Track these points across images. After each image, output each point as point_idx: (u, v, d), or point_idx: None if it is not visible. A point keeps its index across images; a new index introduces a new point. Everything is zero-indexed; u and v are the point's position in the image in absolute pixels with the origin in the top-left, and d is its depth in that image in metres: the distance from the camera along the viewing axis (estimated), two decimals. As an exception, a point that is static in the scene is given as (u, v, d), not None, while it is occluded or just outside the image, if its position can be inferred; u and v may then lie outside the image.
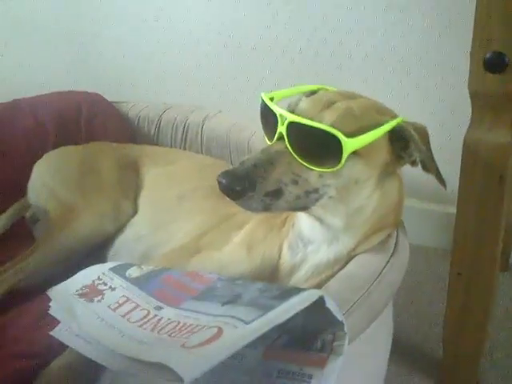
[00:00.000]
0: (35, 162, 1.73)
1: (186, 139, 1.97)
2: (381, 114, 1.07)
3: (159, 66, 2.52)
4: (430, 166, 1.07)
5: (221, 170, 1.64)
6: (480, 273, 1.34)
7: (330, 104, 1.05)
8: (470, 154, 1.25)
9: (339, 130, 0.97)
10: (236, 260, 1.23)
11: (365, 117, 1.04)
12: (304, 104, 1.08)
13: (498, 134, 1.22)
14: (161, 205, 1.58)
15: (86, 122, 2.01)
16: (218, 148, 1.88)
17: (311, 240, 1.16)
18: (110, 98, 2.10)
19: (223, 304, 0.84)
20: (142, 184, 1.68)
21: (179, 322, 0.83)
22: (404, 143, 1.07)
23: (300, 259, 1.18)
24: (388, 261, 1.15)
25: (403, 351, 1.65)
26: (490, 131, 1.23)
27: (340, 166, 0.98)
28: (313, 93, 1.18)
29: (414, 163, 1.10)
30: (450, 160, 1.32)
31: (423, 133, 1.07)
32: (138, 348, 0.78)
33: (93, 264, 1.07)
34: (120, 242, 1.56)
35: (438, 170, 1.07)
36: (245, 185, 0.95)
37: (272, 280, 1.19)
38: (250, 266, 1.21)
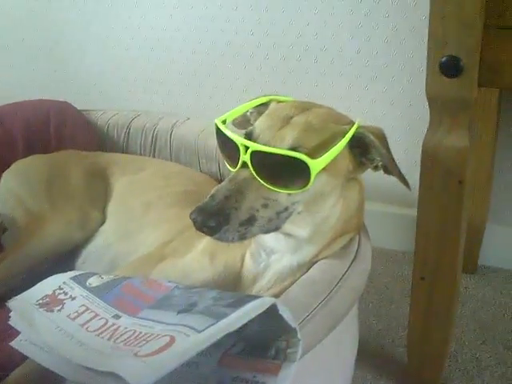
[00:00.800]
0: (3, 170, 1.72)
1: (155, 146, 1.96)
2: (338, 122, 1.08)
3: (128, 74, 2.52)
4: (391, 168, 1.07)
5: (187, 178, 1.67)
6: (442, 276, 1.35)
7: (287, 119, 1.05)
8: (429, 158, 1.26)
9: (302, 150, 0.98)
10: (199, 268, 1.23)
11: (324, 129, 1.04)
12: (262, 122, 1.08)
13: (455, 138, 1.23)
14: (128, 213, 1.58)
15: (55, 130, 2.00)
16: (186, 155, 1.88)
17: (274, 250, 1.16)
18: (78, 107, 2.09)
19: (178, 312, 0.84)
20: (110, 192, 1.68)
21: (135, 331, 0.83)
22: (364, 148, 1.08)
23: (263, 268, 1.18)
24: (350, 265, 1.15)
25: (370, 355, 1.66)
26: (448, 135, 1.24)
27: (308, 186, 0.99)
28: (264, 105, 1.19)
29: (376, 168, 1.11)
30: (416, 164, 1.33)
31: (381, 136, 1.07)
32: (95, 358, 0.78)
33: (61, 272, 1.07)
34: (88, 250, 1.55)
35: (400, 171, 1.07)
36: (219, 220, 0.95)
37: (235, 288, 1.20)
38: (213, 273, 1.22)
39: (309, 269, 1.15)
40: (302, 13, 2.08)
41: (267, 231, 1.04)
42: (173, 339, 0.75)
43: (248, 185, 1.00)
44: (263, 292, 1.17)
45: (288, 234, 1.12)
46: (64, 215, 1.54)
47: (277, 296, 1.09)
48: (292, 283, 1.12)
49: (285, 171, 0.99)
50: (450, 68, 1.16)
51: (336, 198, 1.10)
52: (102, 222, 1.60)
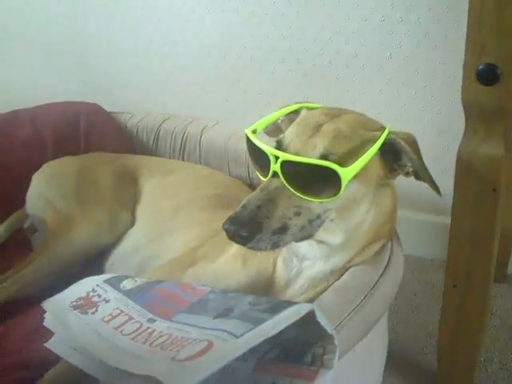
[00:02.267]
0: (34, 172, 1.73)
1: (184, 150, 1.97)
2: (368, 129, 1.07)
3: (157, 78, 2.52)
4: (422, 174, 1.07)
5: (217, 182, 1.67)
6: (475, 285, 1.34)
7: (318, 127, 1.05)
8: (464, 165, 1.25)
9: (333, 158, 0.98)
10: (231, 272, 1.23)
11: (354, 135, 1.04)
12: (292, 131, 1.08)
13: (490, 146, 1.22)
14: (157, 216, 1.58)
15: (85, 132, 2.01)
16: (215, 159, 1.89)
17: (307, 256, 1.16)
18: (108, 109, 2.10)
19: (214, 317, 0.84)
20: (139, 195, 1.68)
21: (171, 335, 0.83)
22: (395, 155, 1.07)
23: (295, 274, 1.18)
24: (382, 272, 1.15)
25: (399, 363, 1.64)
26: (483, 143, 1.23)
27: (339, 195, 0.99)
28: (295, 113, 1.19)
29: (407, 174, 1.10)
30: (447, 170, 1.32)
31: (412, 142, 1.06)
32: (129, 361, 0.78)
33: (90, 275, 1.08)
34: (117, 252, 1.56)
35: (431, 177, 1.07)
36: (252, 229, 0.95)
37: (267, 293, 1.19)
38: (245, 278, 1.21)
39: (342, 275, 1.14)
40: (334, 19, 2.07)
41: (300, 239, 1.05)
42: (211, 344, 0.75)
43: (279, 194, 0.99)
44: (295, 298, 1.16)
45: (321, 241, 1.11)
46: (93, 218, 1.55)
47: (309, 301, 1.09)
48: (325, 289, 1.12)
49: (315, 180, 0.99)
50: (486, 76, 1.16)
51: (368, 205, 1.09)
52: (131, 225, 1.60)
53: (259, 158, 1.05)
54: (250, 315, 0.82)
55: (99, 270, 1.54)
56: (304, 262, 1.17)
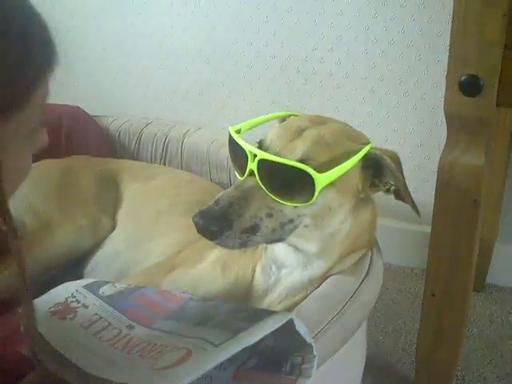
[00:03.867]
0: (14, 174, 1.71)
1: (166, 155, 1.96)
2: (352, 140, 1.07)
3: (140, 81, 2.51)
4: (404, 193, 1.07)
5: (198, 187, 1.66)
6: (454, 294, 1.35)
7: (300, 132, 1.05)
8: (445, 176, 1.26)
9: (311, 164, 0.98)
10: (210, 279, 1.23)
11: (337, 144, 1.04)
12: (274, 133, 1.07)
13: (472, 157, 1.23)
14: (138, 221, 1.57)
15: (66, 135, 1.99)
16: (197, 164, 1.88)
17: (285, 264, 1.16)
18: (90, 112, 2.09)
19: (194, 325, 0.84)
20: (121, 199, 1.67)
21: (150, 342, 0.83)
22: (377, 170, 1.07)
23: (273, 282, 1.18)
24: (362, 281, 1.15)
25: (377, 371, 1.65)
26: (464, 154, 1.24)
27: (313, 200, 0.98)
28: (284, 119, 1.19)
29: (387, 191, 1.10)
30: (427, 180, 1.33)
31: (397, 161, 1.07)
32: (107, 368, 0.78)
33: (70, 279, 1.07)
34: (98, 257, 1.55)
35: (411, 198, 1.07)
36: (221, 225, 0.95)
37: (245, 301, 1.19)
38: (224, 285, 1.21)
39: (320, 284, 1.14)
40: (318, 26, 2.07)
41: (270, 241, 1.05)
42: (189, 352, 0.75)
43: (253, 193, 1.00)
44: (274, 306, 1.16)
45: (297, 248, 1.12)
46: (74, 221, 1.53)
47: (287, 310, 1.09)
48: (303, 298, 1.12)
49: (290, 182, 0.99)
50: (469, 87, 1.16)
51: (345, 215, 1.09)
52: (112, 229, 1.59)
53: (238, 156, 1.05)
54: (230, 323, 0.82)
55: (79, 275, 1.53)
56: (282, 270, 1.17)
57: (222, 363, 0.75)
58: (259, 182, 0.99)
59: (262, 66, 2.21)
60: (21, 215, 1.61)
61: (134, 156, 2.01)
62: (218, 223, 0.95)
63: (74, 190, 1.63)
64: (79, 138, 2.00)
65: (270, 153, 1.02)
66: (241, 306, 0.92)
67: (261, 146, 1.07)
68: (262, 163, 0.99)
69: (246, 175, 1.02)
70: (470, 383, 1.61)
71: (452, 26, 1.16)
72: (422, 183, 1.43)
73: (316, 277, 1.15)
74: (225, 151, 1.79)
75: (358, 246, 1.18)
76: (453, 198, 1.26)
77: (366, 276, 1.17)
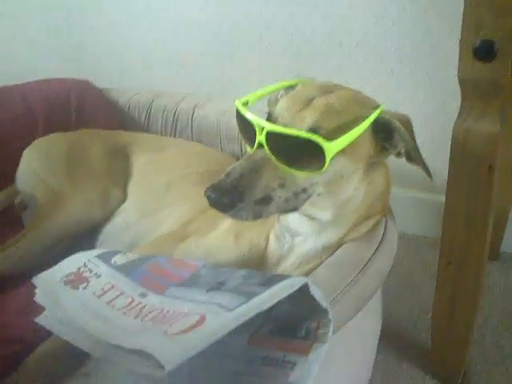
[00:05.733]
0: (24, 148, 1.71)
1: (176, 127, 1.96)
2: (361, 105, 1.06)
3: (149, 54, 2.50)
4: (415, 156, 1.05)
5: (209, 158, 1.65)
6: (469, 263, 1.33)
7: (309, 101, 1.03)
8: (459, 143, 1.23)
9: (320, 132, 0.97)
10: (223, 246, 1.23)
11: (346, 111, 1.02)
12: (282, 104, 1.06)
13: (487, 123, 1.21)
14: (149, 192, 1.58)
15: (76, 108, 2.00)
16: (208, 136, 1.88)
17: (298, 232, 1.16)
18: (99, 85, 2.09)
19: (207, 290, 0.83)
20: (131, 171, 1.68)
21: (163, 309, 0.82)
22: (388, 134, 1.06)
23: (287, 249, 1.18)
24: (376, 248, 1.14)
25: (392, 339, 1.65)
26: (479, 120, 1.21)
27: (324, 168, 0.97)
28: (291, 87, 1.17)
29: (398, 154, 1.08)
30: (440, 149, 1.31)
31: (407, 123, 1.05)
32: (121, 335, 0.77)
33: (80, 251, 1.06)
34: (108, 229, 1.55)
35: (423, 160, 1.06)
36: (233, 197, 0.94)
37: (259, 269, 1.19)
38: (237, 253, 1.21)
39: (334, 251, 1.14)
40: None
41: (285, 211, 1.04)
42: (203, 318, 0.74)
43: (264, 164, 0.98)
44: (288, 273, 1.16)
45: (311, 217, 1.11)
46: (84, 194, 1.54)
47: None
48: (317, 265, 1.11)
49: (300, 152, 0.97)
50: (484, 52, 1.14)
51: (358, 181, 1.08)
52: (123, 201, 1.60)
53: (247, 129, 1.04)
54: (243, 289, 0.81)
55: (90, 247, 1.53)
56: (296, 238, 1.16)
57: (236, 328, 0.74)
58: (269, 153, 0.98)
59: (272, 38, 2.19)
60: (31, 188, 1.61)
61: (144, 128, 2.01)
62: (230, 196, 0.94)
63: (84, 162, 1.64)
64: (88, 111, 2.01)
65: (278, 124, 1.01)
66: (254, 271, 0.91)
67: (270, 117, 1.06)
68: (271, 135, 0.98)
69: (255, 147, 1.01)
70: (486, 351, 1.60)
71: (466, -9, 1.14)
72: (435, 153, 1.41)
73: (330, 244, 1.14)
74: (235, 122, 1.78)
75: (373, 213, 1.17)
76: (467, 165, 1.24)
77: (380, 243, 1.16)
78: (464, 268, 1.34)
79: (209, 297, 0.81)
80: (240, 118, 1.08)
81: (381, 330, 1.38)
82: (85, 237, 1.54)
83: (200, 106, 1.93)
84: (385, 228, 1.20)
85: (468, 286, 1.36)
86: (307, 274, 1.11)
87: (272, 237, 1.20)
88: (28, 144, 1.73)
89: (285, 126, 1.00)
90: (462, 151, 1.24)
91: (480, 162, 1.23)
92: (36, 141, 1.74)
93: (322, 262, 1.12)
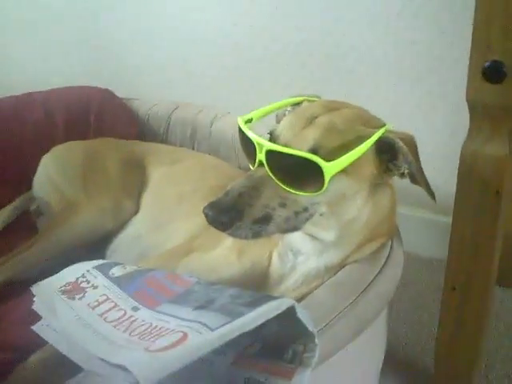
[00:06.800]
0: (43, 155, 1.73)
1: (194, 139, 1.96)
2: (366, 124, 1.04)
3: (169, 64, 2.52)
4: (418, 178, 1.04)
5: (223, 172, 1.65)
6: (474, 289, 1.31)
7: (312, 119, 1.03)
8: (466, 166, 1.22)
9: (321, 152, 0.96)
10: (226, 263, 1.22)
11: (348, 130, 1.01)
12: (286, 121, 1.06)
13: (495, 146, 1.19)
14: (161, 204, 1.58)
15: (96, 117, 2.02)
16: (225, 149, 1.87)
17: (301, 251, 1.15)
18: (120, 95, 2.10)
19: (194, 308, 0.83)
20: (146, 182, 1.68)
21: (151, 324, 0.83)
22: (392, 154, 1.04)
23: (289, 268, 1.17)
24: (379, 271, 1.13)
25: (397, 364, 1.63)
26: (487, 143, 1.20)
27: (324, 189, 0.96)
28: (298, 104, 1.17)
29: (402, 175, 1.07)
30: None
31: (411, 143, 1.03)
32: (106, 349, 0.78)
33: (91, 260, 1.07)
34: (120, 239, 1.56)
35: (427, 182, 1.04)
36: (231, 216, 0.94)
37: (261, 287, 1.19)
38: (239, 270, 1.21)
39: (337, 272, 1.13)
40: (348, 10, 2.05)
41: (285, 231, 1.03)
42: (185, 336, 0.74)
43: (264, 182, 0.98)
44: (289, 293, 1.15)
45: (313, 236, 1.10)
46: (97, 203, 1.55)
47: (303, 297, 1.08)
48: (319, 286, 1.11)
49: (299, 172, 0.97)
50: (492, 73, 1.12)
51: (362, 202, 1.07)
52: (135, 212, 1.60)
53: (249, 147, 1.04)
54: (230, 308, 0.81)
55: (100, 256, 1.53)
56: (298, 257, 1.16)
57: (222, 348, 0.74)
58: (269, 172, 0.98)
59: (293, 51, 2.20)
60: (46, 195, 1.63)
61: (163, 139, 2.03)
62: (228, 214, 0.94)
63: (100, 171, 1.65)
64: (108, 120, 2.03)
65: (279, 143, 1.01)
66: (245, 291, 0.90)
67: (272, 135, 1.06)
68: (270, 154, 0.97)
69: (256, 165, 1.01)
70: (495, 381, 1.57)
71: (475, 12, 1.13)
72: (453, 173, 1.39)
73: (332, 265, 1.13)
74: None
75: (378, 234, 1.16)
76: (475, 189, 1.23)
77: (383, 266, 1.14)
78: (469, 294, 1.32)
79: (195, 315, 0.81)
80: (242, 135, 1.08)
81: (386, 354, 1.36)
82: (96, 246, 1.55)
83: (218, 118, 1.93)
84: (390, 250, 1.18)
85: (473, 312, 1.34)
86: (308, 293, 1.10)
87: (275, 255, 1.20)
88: (47, 151, 1.75)
89: (286, 144, 1.00)
90: (469, 174, 1.23)
91: (487, 187, 1.21)
92: (54, 148, 1.76)
93: (323, 283, 1.11)
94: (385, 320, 1.31)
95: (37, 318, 0.93)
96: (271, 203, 0.97)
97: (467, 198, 1.25)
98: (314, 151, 0.96)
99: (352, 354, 1.07)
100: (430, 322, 1.79)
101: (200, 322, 0.77)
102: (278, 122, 1.18)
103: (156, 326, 0.81)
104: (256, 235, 0.97)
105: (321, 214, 1.03)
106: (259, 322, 0.76)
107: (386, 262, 1.15)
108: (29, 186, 1.73)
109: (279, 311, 0.78)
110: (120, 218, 1.57)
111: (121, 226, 1.57)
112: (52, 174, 1.68)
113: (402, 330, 1.77)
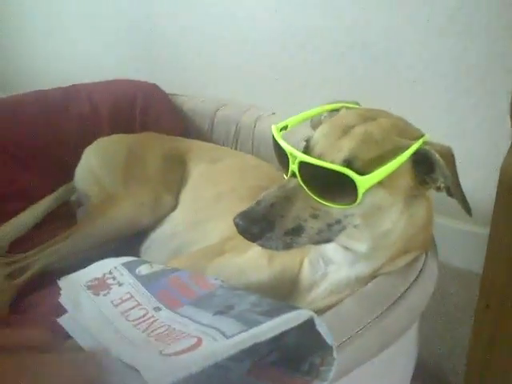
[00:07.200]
0: (86, 146, 1.75)
1: (237, 138, 1.96)
2: (403, 135, 1.02)
3: (218, 62, 2.53)
4: (455, 191, 1.01)
5: (262, 173, 1.64)
6: (510, 308, 1.28)
7: (348, 129, 1.00)
8: (506, 183, 1.19)
9: (356, 164, 0.94)
10: (256, 267, 1.21)
11: (385, 141, 0.99)
12: (321, 130, 1.04)
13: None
14: (200, 202, 1.58)
15: (141, 111, 2.03)
16: (267, 150, 1.86)
17: (333, 260, 1.13)
18: (166, 90, 2.11)
19: (214, 314, 0.82)
20: (186, 179, 1.69)
21: (169, 326, 0.82)
22: (429, 167, 1.01)
23: (320, 277, 1.15)
24: (411, 284, 1.11)
25: (427, 380, 1.59)
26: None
27: (357, 202, 0.94)
28: (336, 111, 1.15)
29: (438, 189, 1.04)
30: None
31: (448, 156, 1.00)
32: (123, 348, 0.77)
33: (126, 254, 1.08)
34: (155, 235, 1.57)
35: (463, 196, 1.02)
36: (262, 226, 0.93)
37: (290, 293, 1.18)
38: (270, 274, 1.20)
39: (367, 283, 1.11)
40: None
41: (317, 243, 1.01)
42: (200, 341, 0.73)
43: (296, 193, 0.97)
44: (318, 301, 1.14)
45: (346, 247, 1.08)
46: (137, 197, 1.56)
47: (331, 307, 1.06)
48: (349, 296, 1.09)
49: (332, 185, 0.95)
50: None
51: (398, 214, 1.04)
52: (174, 208, 1.60)
53: (282, 156, 1.02)
54: (247, 316, 0.79)
55: (135, 251, 1.55)
56: (330, 266, 1.14)
57: (239, 355, 0.73)
58: (302, 183, 0.96)
59: (340, 54, 2.17)
60: (87, 186, 1.65)
61: (206, 137, 2.03)
62: (259, 225, 0.93)
63: (141, 166, 1.66)
64: (153, 115, 2.04)
65: (315, 153, 0.99)
66: (265, 299, 0.89)
67: (307, 144, 1.04)
68: (303, 165, 0.96)
69: (289, 175, 1.00)
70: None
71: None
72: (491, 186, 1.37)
73: (364, 275, 1.11)
74: (294, 138, 1.77)
75: (412, 247, 1.13)
76: (513, 207, 1.20)
77: (416, 279, 1.12)
78: (503, 312, 1.29)
79: (213, 320, 0.80)
80: (275, 144, 1.06)
81: (416, 370, 1.33)
82: (132, 240, 1.56)
83: (262, 118, 1.93)
84: (424, 264, 1.16)
85: (507, 332, 1.30)
86: (337, 303, 1.08)
87: (306, 262, 1.18)
88: (91, 143, 1.76)
89: (320, 155, 0.98)
90: (509, 188, 1.20)
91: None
92: (98, 140, 1.78)
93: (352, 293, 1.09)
94: (415, 334, 1.29)
95: (64, 310, 0.94)
96: (303, 214, 0.96)
97: (506, 212, 1.22)
98: (348, 163, 0.95)
99: (379, 367, 1.05)
100: (464, 337, 1.74)
101: (216, 328, 0.76)
102: (314, 128, 1.16)
103: (174, 329, 0.81)
104: (287, 246, 0.96)
105: (355, 226, 1.01)
106: (276, 333, 0.74)
107: (418, 276, 1.13)
108: (71, 177, 1.75)
109: (297, 322, 0.77)
110: (158, 213, 1.58)
111: (158, 221, 1.58)
112: (94, 165, 1.69)
113: (434, 344, 1.74)
